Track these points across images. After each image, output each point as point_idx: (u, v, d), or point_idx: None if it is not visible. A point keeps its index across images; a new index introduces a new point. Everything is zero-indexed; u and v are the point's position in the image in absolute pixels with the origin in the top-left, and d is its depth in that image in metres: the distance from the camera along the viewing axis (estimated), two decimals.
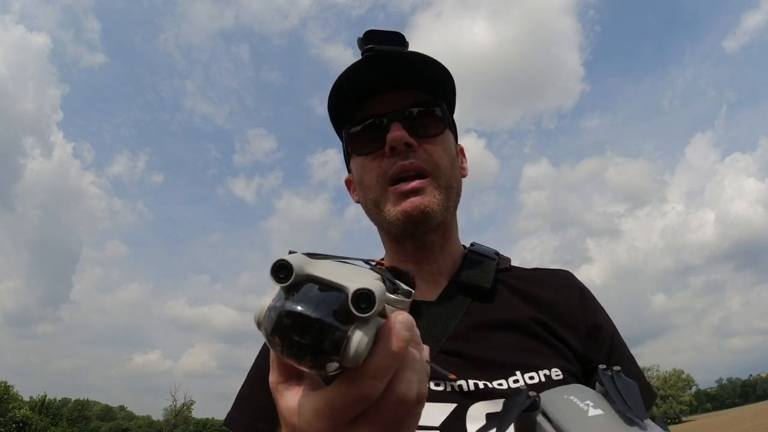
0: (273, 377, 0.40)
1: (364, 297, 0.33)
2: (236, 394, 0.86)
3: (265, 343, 1.12)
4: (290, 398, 0.39)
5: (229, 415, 0.83)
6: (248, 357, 0.90)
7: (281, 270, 0.34)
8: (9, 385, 41.50)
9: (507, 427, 0.46)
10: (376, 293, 0.33)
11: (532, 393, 0.48)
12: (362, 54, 0.80)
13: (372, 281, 0.34)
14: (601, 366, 0.57)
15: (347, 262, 0.41)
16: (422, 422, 0.69)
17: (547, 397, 0.47)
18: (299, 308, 0.32)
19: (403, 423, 0.38)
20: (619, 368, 0.54)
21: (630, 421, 0.42)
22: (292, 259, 0.34)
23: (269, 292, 0.36)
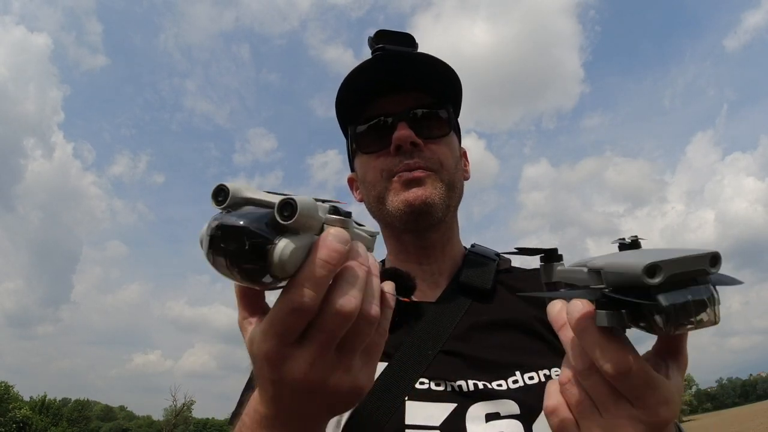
0: (239, 316, 0.41)
1: (288, 206, 0.34)
2: (238, 393, 0.85)
3: None
4: (251, 330, 0.40)
5: (234, 412, 0.83)
6: (248, 357, 0.88)
7: (219, 193, 0.37)
8: (9, 386, 41.49)
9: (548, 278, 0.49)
10: (299, 203, 0.34)
11: (554, 247, 0.50)
12: (372, 53, 0.81)
13: (305, 196, 0.36)
14: (620, 238, 0.53)
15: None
16: (422, 422, 0.66)
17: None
18: (229, 219, 0.34)
19: (352, 342, 0.39)
20: (636, 235, 0.49)
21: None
22: (230, 184, 0.37)
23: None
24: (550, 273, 0.50)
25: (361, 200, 0.92)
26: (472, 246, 0.93)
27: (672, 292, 0.34)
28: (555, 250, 0.50)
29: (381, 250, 0.96)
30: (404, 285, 0.77)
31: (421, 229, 0.84)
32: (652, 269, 0.33)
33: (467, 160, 0.97)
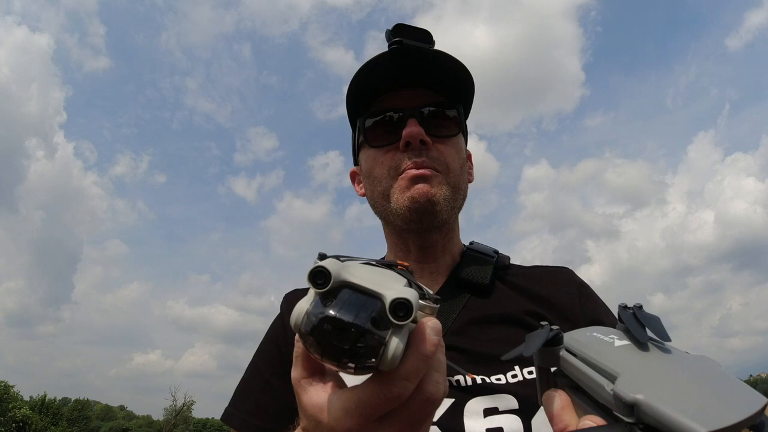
0: (296, 373, 0.41)
1: (402, 306, 0.34)
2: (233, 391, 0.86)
3: (262, 341, 1.00)
4: (315, 395, 0.39)
5: (226, 411, 0.84)
6: (248, 357, 0.92)
7: (319, 276, 0.35)
8: (9, 385, 41.51)
9: (531, 352, 0.44)
10: (413, 302, 0.34)
11: (554, 327, 0.46)
12: (389, 47, 0.79)
13: (404, 288, 0.36)
14: (621, 304, 0.55)
15: (373, 265, 0.42)
16: None
17: (570, 336, 0.45)
18: (339, 315, 0.34)
19: (426, 420, 0.40)
20: (640, 304, 0.52)
21: (654, 347, 0.41)
22: (329, 266, 0.35)
23: (305, 297, 0.37)
24: (551, 359, 0.46)
25: (363, 195, 0.92)
26: (471, 243, 0.94)
27: None
28: (559, 332, 0.46)
29: (381, 246, 0.97)
30: None
31: (424, 229, 0.83)
32: None
33: (471, 163, 0.97)
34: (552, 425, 0.43)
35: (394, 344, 0.34)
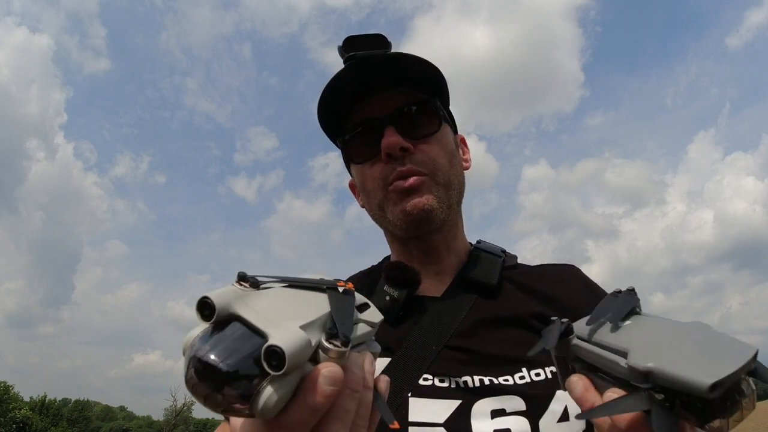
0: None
1: (275, 355, 0.31)
2: None
3: None
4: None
5: None
6: None
7: (205, 307, 0.33)
8: (9, 386, 41.46)
9: (551, 345, 0.47)
10: (288, 353, 0.31)
11: (564, 320, 0.49)
12: (344, 63, 0.77)
13: (292, 332, 0.32)
14: (615, 290, 0.56)
15: (301, 287, 0.39)
16: (427, 419, 0.65)
17: (578, 325, 0.49)
18: (211, 357, 0.31)
19: None
20: (633, 287, 0.53)
21: (652, 320, 0.46)
22: (216, 297, 0.33)
23: (200, 325, 0.34)
24: (566, 348, 0.49)
25: (363, 206, 0.91)
26: (478, 242, 0.92)
27: (727, 398, 0.36)
28: (569, 324, 0.49)
29: (383, 246, 0.99)
30: (408, 279, 0.78)
31: (424, 234, 0.83)
32: (714, 386, 0.34)
33: (466, 147, 0.95)
34: (580, 406, 0.45)
35: (266, 395, 0.31)
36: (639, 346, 0.41)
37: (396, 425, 0.38)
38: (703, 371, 0.35)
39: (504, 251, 0.90)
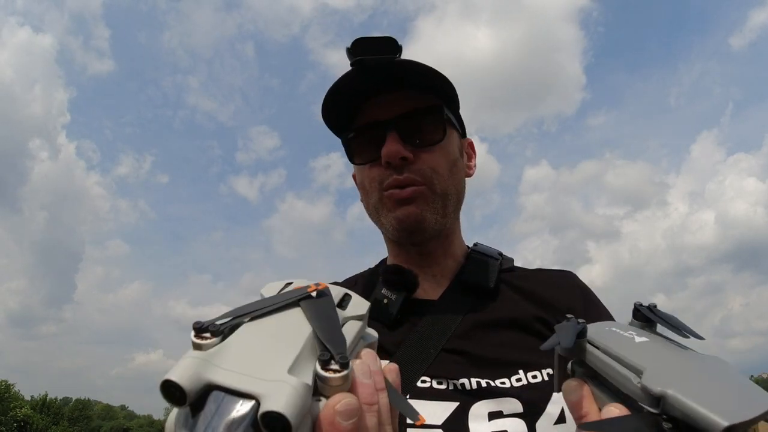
0: None
1: (277, 421, 0.27)
2: None
3: None
4: None
5: None
6: None
7: (173, 390, 0.28)
8: (10, 384, 41.53)
9: (568, 344, 0.44)
10: (291, 415, 0.27)
11: (581, 320, 0.46)
12: (351, 65, 0.74)
13: (289, 386, 0.28)
14: (637, 302, 0.54)
15: (271, 311, 0.35)
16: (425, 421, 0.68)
17: (591, 329, 0.46)
18: None
19: None
20: (655, 304, 0.51)
21: (670, 344, 0.44)
22: (180, 377, 0.28)
23: (176, 408, 0.29)
24: (576, 350, 0.46)
25: (362, 201, 0.90)
26: (475, 245, 0.92)
27: None
28: (585, 325, 0.46)
29: (383, 247, 0.97)
30: (406, 282, 0.78)
31: (418, 242, 0.83)
32: (729, 429, 0.32)
33: (473, 152, 0.94)
34: (572, 413, 0.44)
35: None
36: (655, 367, 0.38)
37: (422, 419, 0.37)
38: (721, 410, 0.33)
39: (501, 254, 0.90)
